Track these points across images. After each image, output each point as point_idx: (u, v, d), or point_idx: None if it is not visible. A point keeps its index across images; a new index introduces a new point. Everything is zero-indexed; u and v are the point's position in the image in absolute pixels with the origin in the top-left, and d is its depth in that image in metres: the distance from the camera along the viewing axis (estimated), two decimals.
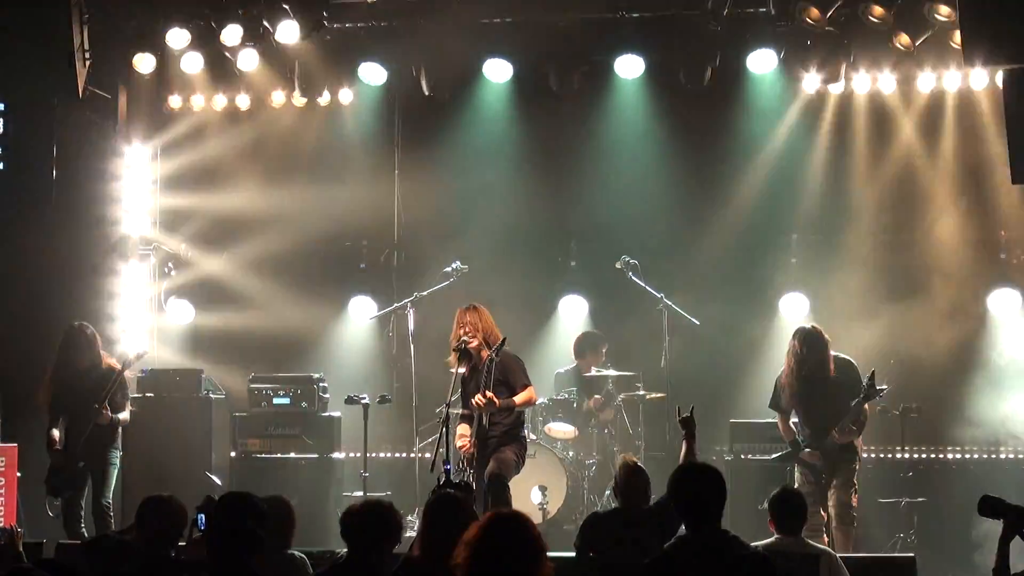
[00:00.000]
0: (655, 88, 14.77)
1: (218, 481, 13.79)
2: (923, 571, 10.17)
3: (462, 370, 11.39)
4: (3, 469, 13.12)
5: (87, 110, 14.21)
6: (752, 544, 7.31)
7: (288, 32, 13.87)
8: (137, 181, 15.46)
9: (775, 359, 12.35)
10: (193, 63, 14.38)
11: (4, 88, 12.98)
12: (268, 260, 15.56)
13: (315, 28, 13.98)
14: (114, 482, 12.34)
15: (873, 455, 14.02)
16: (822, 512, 11.29)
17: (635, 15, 14.00)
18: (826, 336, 11.62)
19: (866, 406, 11.57)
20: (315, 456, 14.14)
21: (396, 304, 14.03)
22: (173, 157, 15.66)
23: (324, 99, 15.04)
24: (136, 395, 13.51)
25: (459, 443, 11.33)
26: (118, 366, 12.46)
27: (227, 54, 14.25)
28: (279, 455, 14.18)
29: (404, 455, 14.73)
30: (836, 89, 14.42)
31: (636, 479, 8.97)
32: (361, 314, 15.46)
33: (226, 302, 15.58)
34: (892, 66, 14.06)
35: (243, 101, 15.15)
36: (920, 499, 13.32)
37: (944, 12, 12.91)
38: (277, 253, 15.57)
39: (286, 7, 13.78)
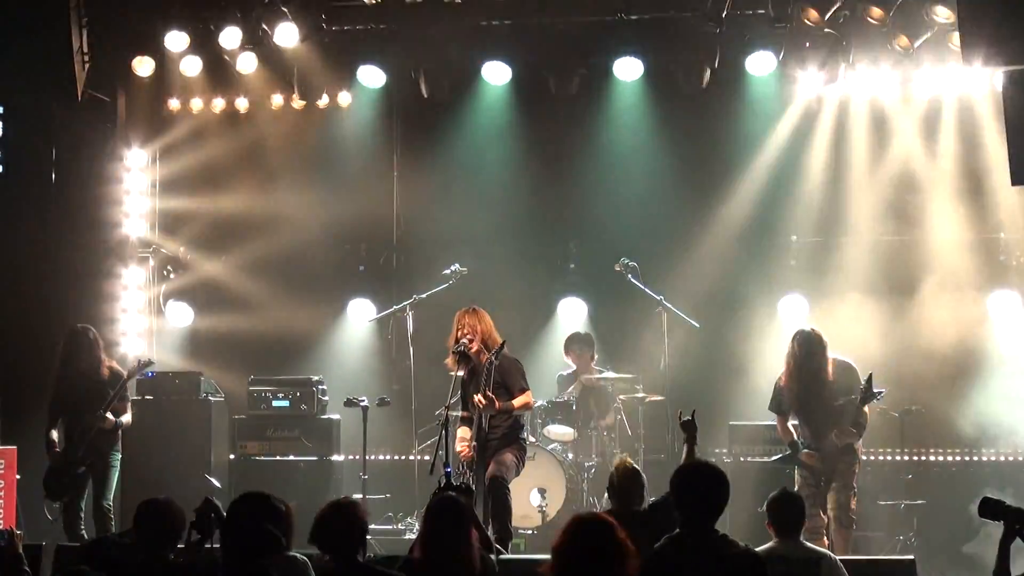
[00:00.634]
0: (654, 90, 14.78)
1: (217, 483, 13.78)
2: (923, 573, 10.16)
3: (461, 373, 11.39)
4: (2, 471, 13.11)
5: (86, 113, 14.21)
6: (755, 549, 7.29)
7: (287, 35, 13.88)
8: (136, 184, 15.46)
9: (774, 361, 12.34)
10: (192, 66, 14.40)
11: (3, 91, 12.99)
12: (267, 263, 15.55)
13: (314, 31, 13.99)
14: (115, 484, 12.33)
15: (873, 457, 14.01)
16: (821, 515, 11.27)
17: (634, 17, 14.02)
18: (825, 339, 11.60)
19: (866, 409, 11.56)
20: (314, 458, 14.14)
21: (395, 306, 14.02)
22: (172, 160, 15.66)
23: (323, 102, 15.05)
24: (136, 397, 13.51)
25: (458, 447, 11.32)
26: (120, 370, 12.46)
27: (226, 57, 14.27)
28: (278, 457, 14.19)
29: (403, 458, 14.71)
30: (835, 91, 14.42)
31: (631, 481, 8.96)
32: (360, 316, 15.46)
33: (225, 305, 15.57)
34: (891, 67, 14.06)
35: (242, 104, 15.15)
36: (920, 501, 13.32)
37: (942, 13, 12.93)
38: (276, 256, 15.56)
39: (285, 10, 13.81)
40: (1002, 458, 14.04)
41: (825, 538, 11.09)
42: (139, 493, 8.35)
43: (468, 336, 11.29)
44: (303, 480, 13.89)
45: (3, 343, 13.75)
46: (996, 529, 7.03)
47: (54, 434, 12.19)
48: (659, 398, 13.82)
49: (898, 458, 13.93)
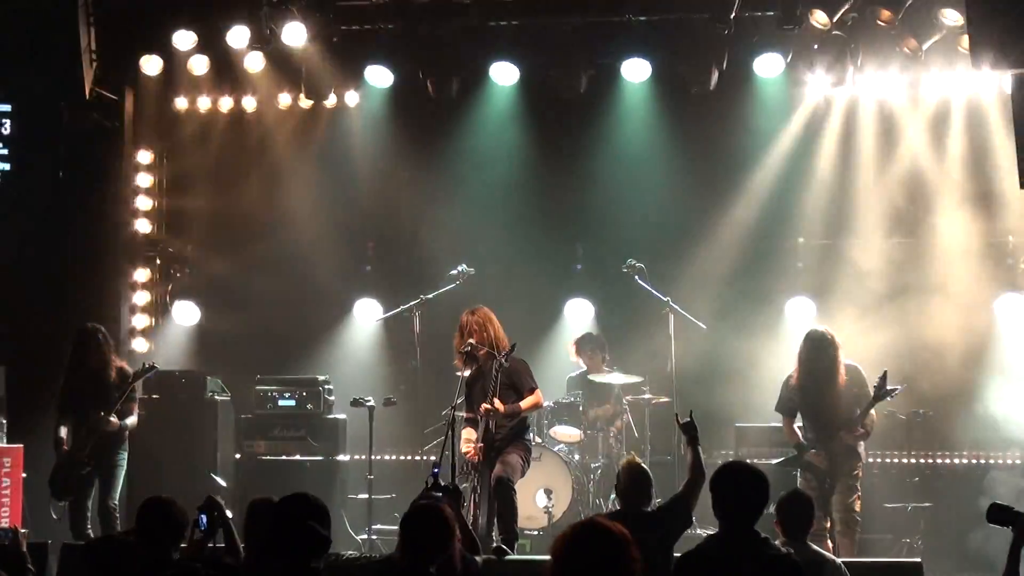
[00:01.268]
0: (662, 92, 14.77)
1: (223, 482, 13.79)
2: None
3: (467, 373, 11.38)
4: (9, 470, 13.12)
5: (94, 111, 14.22)
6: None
7: (294, 34, 13.88)
8: (143, 182, 15.47)
9: (781, 363, 12.33)
10: (199, 65, 14.40)
11: (11, 90, 12.99)
12: (274, 262, 15.54)
13: (322, 30, 13.99)
14: (120, 484, 12.32)
15: (880, 460, 14.02)
16: (825, 517, 11.25)
17: (642, 19, 14.01)
18: (837, 340, 11.59)
19: (873, 412, 11.55)
20: (320, 458, 14.15)
21: (402, 306, 14.01)
22: (179, 159, 15.68)
23: (330, 101, 15.05)
24: (142, 396, 13.50)
25: (464, 448, 11.32)
26: (129, 370, 12.46)
27: (233, 56, 14.26)
28: (284, 457, 14.20)
29: (409, 457, 14.72)
30: (843, 93, 14.41)
31: (638, 480, 8.93)
32: (367, 316, 15.45)
33: (232, 304, 15.57)
34: (899, 70, 14.05)
35: (249, 103, 15.17)
36: (927, 504, 13.30)
37: (951, 16, 12.91)
38: (283, 255, 15.57)
39: (292, 9, 13.79)
40: (1010, 461, 14.00)
41: (828, 540, 11.06)
42: (145, 492, 8.33)
43: (474, 336, 11.29)
44: (309, 480, 13.86)
45: (10, 342, 13.75)
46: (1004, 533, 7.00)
47: (62, 432, 12.19)
48: (666, 399, 13.80)
49: (905, 461, 13.93)
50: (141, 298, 15.42)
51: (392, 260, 15.89)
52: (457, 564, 7.33)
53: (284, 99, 15.02)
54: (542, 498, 13.05)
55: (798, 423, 11.79)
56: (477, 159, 15.27)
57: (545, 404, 13.33)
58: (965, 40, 12.71)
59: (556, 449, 13.44)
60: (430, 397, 13.66)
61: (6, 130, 12.70)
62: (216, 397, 14.36)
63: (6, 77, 13.08)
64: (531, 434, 11.97)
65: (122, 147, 15.03)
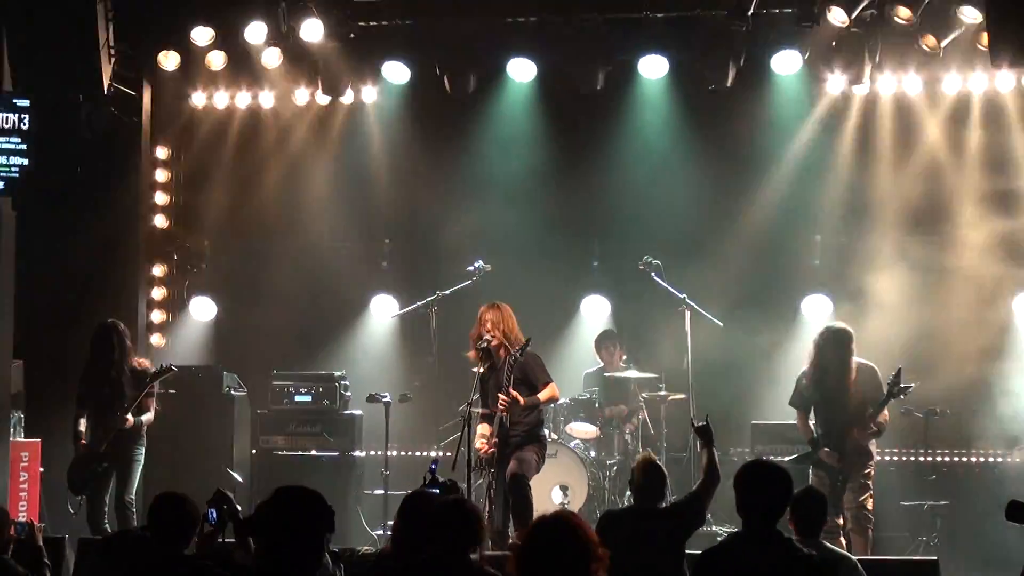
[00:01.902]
0: (679, 88, 14.74)
1: (239, 478, 13.83)
2: (946, 574, 10.14)
3: (483, 369, 11.39)
4: (26, 464, 13.16)
5: (112, 106, 14.23)
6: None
7: (312, 30, 13.88)
8: (160, 178, 15.50)
9: (797, 361, 12.31)
10: (217, 60, 14.42)
11: (30, 84, 12.99)
12: (290, 258, 15.58)
13: (339, 26, 13.99)
14: (137, 479, 12.35)
15: (896, 457, 14.00)
16: (838, 515, 11.23)
17: (659, 15, 13.99)
18: (852, 337, 11.57)
19: (886, 411, 11.53)
20: (336, 454, 14.18)
21: (418, 303, 14.02)
22: (196, 154, 15.71)
23: (347, 97, 15.04)
24: (159, 392, 13.48)
25: (478, 444, 11.33)
26: (147, 365, 12.49)
27: (251, 52, 14.27)
28: (300, 452, 14.24)
29: (425, 453, 14.72)
30: (861, 90, 14.37)
31: (652, 477, 8.92)
32: (383, 312, 15.47)
33: (248, 299, 15.60)
34: (917, 67, 14.02)
35: (266, 99, 15.19)
36: (943, 502, 13.27)
37: (970, 13, 12.86)
38: (299, 251, 15.61)
39: (310, 5, 13.80)
40: None
41: (841, 538, 11.05)
42: (161, 487, 8.36)
43: (490, 332, 11.29)
44: (325, 475, 13.89)
45: (28, 337, 13.78)
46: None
47: (81, 426, 12.22)
48: (681, 396, 13.79)
49: (922, 459, 13.89)
50: (158, 293, 15.45)
51: (409, 256, 15.91)
52: None
53: (301, 95, 15.03)
54: (558, 494, 13.08)
55: (812, 419, 11.77)
56: (494, 155, 15.26)
57: (561, 400, 13.36)
58: (984, 37, 12.69)
59: (572, 446, 13.45)
60: (446, 393, 13.68)
61: (24, 125, 12.68)
62: (233, 392, 14.39)
63: (25, 72, 13.07)
64: (546, 430, 11.97)
65: (140, 143, 15.04)
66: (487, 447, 11.25)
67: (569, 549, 5.46)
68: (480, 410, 11.50)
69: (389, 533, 7.54)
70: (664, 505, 8.96)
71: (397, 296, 15.36)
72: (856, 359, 11.58)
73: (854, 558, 8.73)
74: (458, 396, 12.25)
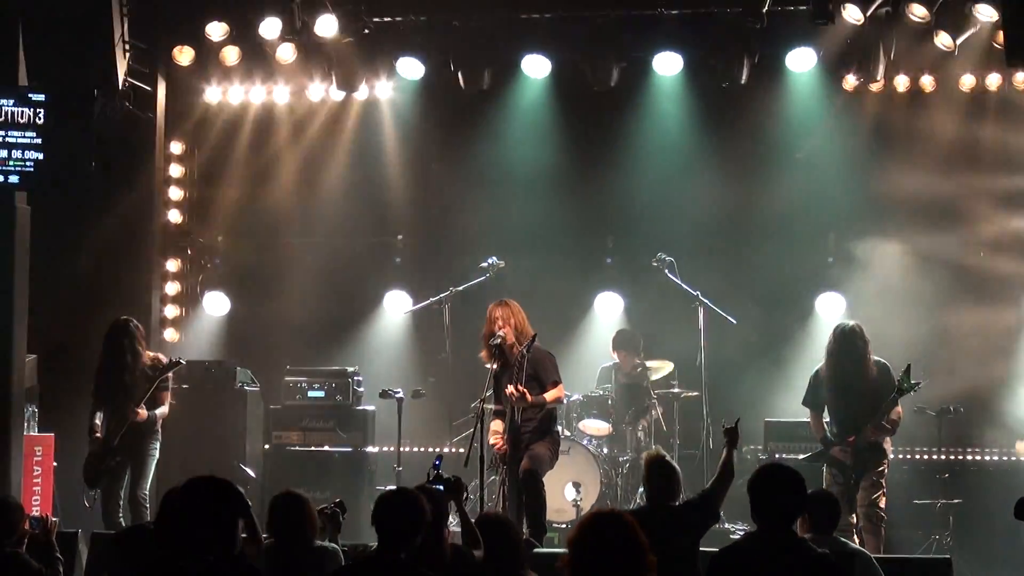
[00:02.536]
0: (693, 85, 14.72)
1: (252, 473, 13.85)
2: (959, 573, 10.15)
3: (495, 366, 11.39)
4: (40, 459, 13.18)
5: (126, 101, 14.24)
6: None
7: (326, 25, 13.89)
8: (175, 173, 15.51)
9: (811, 358, 12.31)
10: (231, 55, 14.42)
11: (44, 79, 13.00)
12: (304, 253, 15.61)
13: (353, 21, 13.99)
14: (151, 474, 12.36)
15: (909, 456, 13.99)
16: (851, 513, 11.21)
17: (674, 12, 13.97)
18: (866, 335, 11.55)
19: (899, 407, 11.51)
20: (348, 449, 14.20)
21: (432, 299, 14.02)
22: (211, 149, 15.70)
23: (362, 93, 15.04)
24: (172, 387, 13.53)
25: (492, 440, 11.34)
26: (162, 361, 12.51)
27: (266, 47, 14.28)
28: (313, 448, 14.26)
29: (437, 449, 14.70)
30: (875, 88, 14.34)
31: (665, 475, 8.90)
32: (396, 308, 15.48)
33: (262, 295, 15.64)
34: (932, 65, 13.99)
35: (281, 94, 15.18)
36: (956, 500, 13.25)
37: (986, 12, 12.84)
38: (313, 246, 15.63)
39: (324, 0, 13.80)
40: None
41: (855, 536, 11.04)
42: (173, 482, 8.34)
43: (502, 329, 11.29)
44: (337, 471, 13.95)
45: (42, 332, 13.80)
46: None
47: (97, 420, 12.24)
48: (694, 394, 13.79)
49: (935, 457, 13.87)
50: (172, 288, 15.46)
51: (422, 252, 15.92)
52: (447, 554, 7.32)
53: (315, 90, 15.03)
54: (571, 491, 13.08)
55: (825, 418, 11.75)
56: (508, 151, 15.26)
57: (575, 397, 13.36)
58: (1000, 36, 12.66)
59: (585, 443, 13.45)
60: (459, 389, 13.66)
61: (40, 120, 12.69)
62: (246, 388, 14.41)
63: (40, 67, 13.08)
64: (559, 427, 11.98)
65: (154, 138, 15.04)
66: (500, 444, 11.25)
67: (626, 548, 5.48)
68: (493, 406, 11.50)
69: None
70: (678, 503, 8.95)
71: (410, 292, 15.38)
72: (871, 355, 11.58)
73: (869, 553, 8.72)
74: (471, 392, 12.24)
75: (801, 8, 13.62)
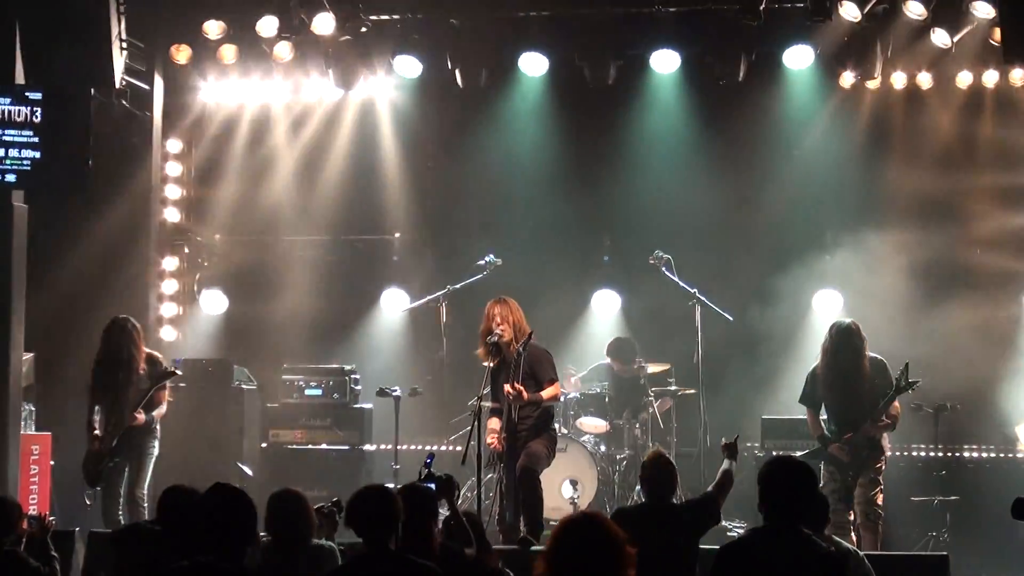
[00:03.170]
0: (690, 83, 14.74)
1: (249, 471, 13.83)
2: (956, 570, 10.13)
3: (492, 364, 11.39)
4: (37, 457, 13.18)
5: (123, 100, 14.24)
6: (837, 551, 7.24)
7: (324, 24, 13.87)
8: (172, 171, 15.52)
9: (808, 356, 12.30)
10: (229, 54, 14.42)
11: (41, 77, 13.01)
12: (301, 251, 15.63)
13: (351, 20, 13.98)
14: (150, 473, 12.34)
15: (906, 453, 14.00)
16: (848, 510, 11.21)
17: (671, 9, 13.96)
18: (862, 333, 11.55)
19: (897, 404, 11.51)
20: (346, 447, 14.22)
21: (429, 297, 14.03)
22: (207, 147, 15.71)
23: (359, 91, 15.04)
24: (170, 385, 13.53)
25: (489, 438, 11.33)
26: (160, 359, 12.51)
27: (263, 45, 14.28)
28: (310, 446, 14.28)
29: (435, 447, 14.71)
30: (873, 85, 14.36)
31: (664, 473, 8.89)
32: (394, 306, 15.48)
33: (259, 293, 15.65)
34: (929, 62, 14.00)
35: (278, 92, 15.20)
36: (953, 497, 13.24)
37: (983, 9, 12.83)
38: (310, 244, 15.64)
39: None
40: None
41: (852, 534, 11.04)
42: (171, 481, 8.37)
43: (500, 326, 11.29)
44: (335, 469, 13.96)
45: (39, 331, 13.80)
46: None
47: (95, 417, 12.23)
48: (692, 391, 13.80)
49: (932, 454, 13.88)
50: (169, 287, 15.47)
51: (419, 250, 15.92)
52: (435, 550, 7.31)
53: (313, 88, 15.04)
54: (568, 489, 13.08)
55: (822, 415, 11.75)
56: (505, 150, 15.28)
57: (572, 395, 13.35)
58: (997, 33, 12.67)
59: (582, 440, 13.46)
60: (456, 387, 13.70)
61: (36, 118, 12.69)
62: (243, 386, 14.42)
63: (37, 65, 13.08)
64: (556, 424, 11.98)
65: (151, 136, 15.05)
66: (497, 441, 11.25)
67: (600, 550, 5.46)
68: (490, 404, 11.50)
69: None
70: (677, 502, 8.94)
71: (408, 290, 15.39)
72: (867, 353, 11.58)
73: (861, 553, 8.72)
74: (468, 390, 12.25)
75: (798, 5, 13.62)
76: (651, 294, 14.58)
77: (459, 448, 12.05)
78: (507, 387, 11.10)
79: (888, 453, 11.73)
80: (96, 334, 12.56)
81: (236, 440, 14.18)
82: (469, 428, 11.31)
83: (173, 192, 15.54)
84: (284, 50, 14.27)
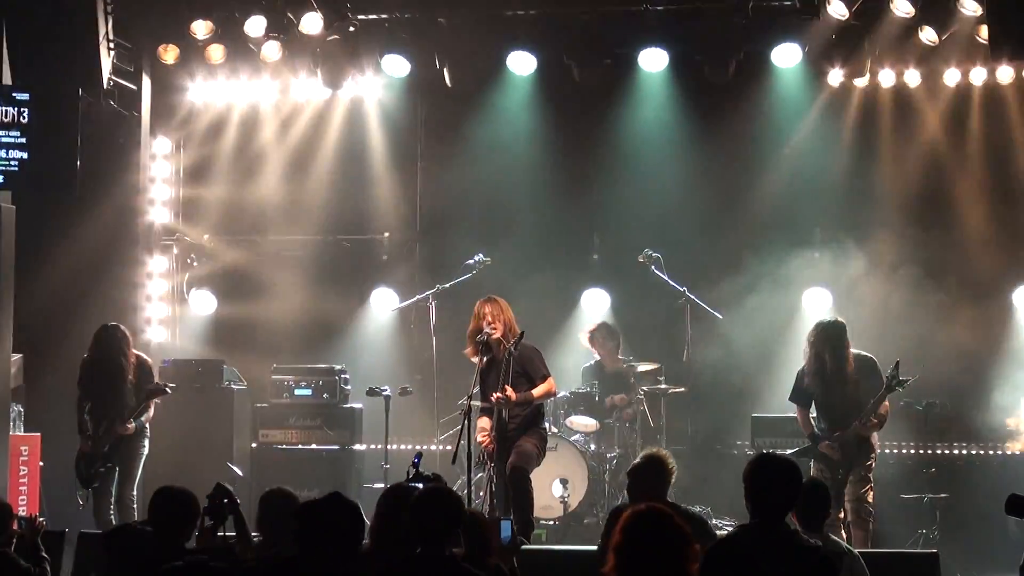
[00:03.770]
0: (679, 81, 14.73)
1: (239, 472, 13.84)
2: (946, 567, 10.14)
3: (482, 362, 11.38)
4: (26, 459, 13.16)
5: (111, 100, 14.23)
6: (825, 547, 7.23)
7: (312, 23, 13.88)
8: (160, 171, 15.50)
9: (797, 354, 12.30)
10: (217, 54, 14.40)
11: (29, 78, 13.00)
12: (290, 251, 15.61)
13: (339, 19, 13.97)
14: (139, 474, 12.34)
15: (896, 450, 14.01)
16: (839, 508, 11.21)
17: (659, 8, 13.95)
18: (847, 330, 11.55)
19: (887, 402, 11.52)
20: (336, 447, 14.21)
21: (418, 296, 14.02)
22: (196, 147, 15.70)
23: (347, 91, 15.05)
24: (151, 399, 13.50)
25: (479, 437, 11.33)
26: (149, 363, 12.53)
27: (251, 45, 14.27)
28: (300, 446, 14.26)
29: (425, 447, 14.71)
30: (861, 83, 14.38)
31: (644, 472, 8.71)
32: (383, 306, 15.47)
33: (248, 293, 15.62)
34: (917, 60, 14.03)
35: (266, 92, 15.19)
36: (943, 495, 13.26)
37: (970, 6, 12.85)
38: (299, 244, 15.63)
39: None
40: None
41: (842, 531, 11.05)
42: (161, 481, 8.34)
43: (491, 325, 11.28)
44: (325, 469, 13.94)
45: (28, 331, 13.78)
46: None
47: (86, 417, 12.21)
48: (681, 389, 13.80)
49: (921, 451, 13.90)
50: (158, 287, 15.43)
51: (408, 250, 15.90)
52: None
53: (301, 88, 15.04)
54: (558, 488, 13.07)
55: (812, 413, 11.76)
56: (494, 148, 15.27)
57: (561, 394, 13.35)
58: (984, 30, 12.69)
59: (572, 439, 13.45)
60: (446, 386, 13.69)
61: (24, 119, 12.69)
62: (232, 386, 14.40)
63: (25, 66, 13.08)
64: (546, 423, 11.98)
65: (139, 136, 15.04)
66: (487, 441, 11.25)
67: (670, 542, 5.48)
68: (480, 403, 11.49)
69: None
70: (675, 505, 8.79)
71: (397, 289, 15.37)
72: (854, 350, 11.58)
73: (856, 551, 8.71)
74: (458, 390, 12.25)
75: (786, 3, 13.64)
76: (641, 293, 14.59)
77: (449, 447, 12.04)
78: (494, 396, 11.09)
79: (878, 451, 11.75)
80: (85, 334, 12.57)
81: (226, 440, 14.16)
82: (459, 427, 11.30)
83: (161, 192, 15.51)
84: (272, 50, 14.27)
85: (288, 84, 15.04)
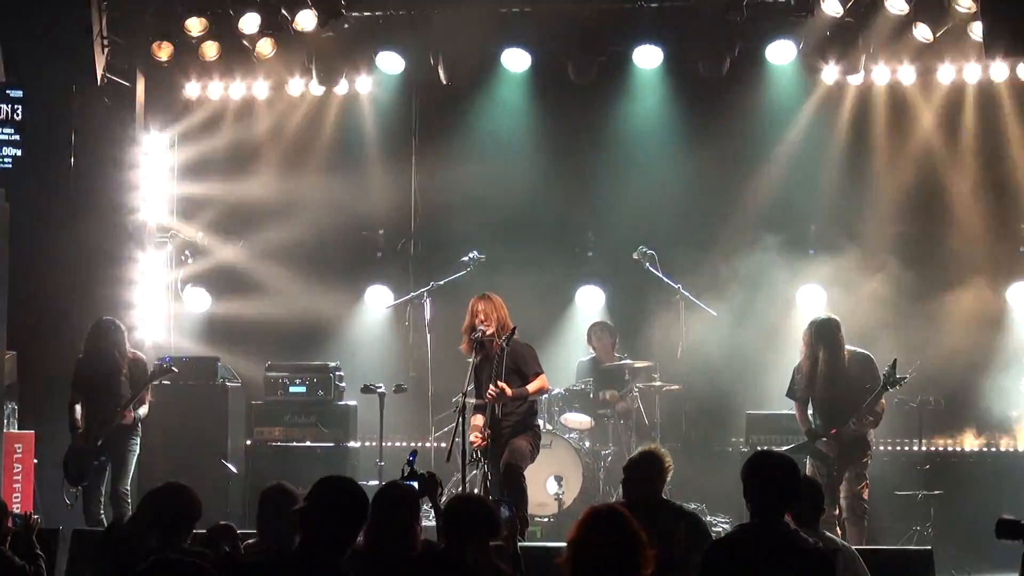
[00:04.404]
0: (673, 78, 14.75)
1: (234, 469, 13.83)
2: (940, 564, 10.15)
3: (476, 359, 11.38)
4: (20, 456, 13.15)
5: (105, 97, 14.22)
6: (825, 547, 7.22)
7: (306, 20, 13.87)
8: (154, 169, 15.47)
9: (792, 350, 12.30)
10: (211, 50, 14.38)
11: (22, 75, 12.98)
12: (285, 248, 15.57)
13: (333, 16, 13.97)
14: (132, 469, 12.34)
15: (890, 447, 14.02)
16: (834, 505, 11.22)
17: (654, 5, 14.00)
18: (841, 327, 11.56)
19: (883, 399, 11.53)
20: (331, 445, 14.18)
21: (413, 293, 14.02)
22: (190, 145, 15.67)
23: (342, 87, 15.04)
24: (153, 383, 13.50)
25: (471, 436, 11.32)
26: (144, 360, 12.52)
27: (245, 42, 14.25)
28: (295, 443, 14.23)
29: (420, 444, 14.71)
30: (855, 80, 14.38)
31: (638, 468, 8.69)
32: (378, 303, 15.47)
33: (243, 290, 15.60)
34: (912, 57, 14.03)
35: (261, 89, 15.18)
36: (937, 492, 13.26)
37: (964, 3, 12.86)
38: (294, 241, 15.59)
39: None
40: (1021, 450, 13.98)
41: (837, 528, 11.05)
42: (155, 478, 8.37)
43: (484, 322, 11.28)
44: (319, 466, 13.88)
45: (22, 329, 13.76)
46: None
47: (78, 414, 12.20)
48: (676, 387, 13.81)
49: (916, 448, 13.90)
50: (152, 284, 15.40)
51: (403, 247, 15.89)
52: (417, 549, 7.29)
53: (295, 85, 15.02)
54: (552, 485, 13.07)
55: (810, 409, 11.77)
56: (488, 145, 15.27)
57: (555, 391, 13.35)
58: (978, 27, 12.69)
59: (567, 436, 13.46)
60: (440, 384, 13.69)
61: (18, 116, 12.67)
62: (227, 383, 14.38)
63: (18, 63, 13.07)
64: (540, 420, 11.98)
65: (134, 133, 15.02)
66: (481, 438, 11.24)
67: (623, 543, 5.47)
68: (474, 400, 11.49)
69: None
70: (658, 500, 8.76)
71: (391, 286, 15.37)
72: (850, 347, 11.59)
73: (852, 547, 8.71)
74: (453, 387, 12.25)
75: (781, 0, 13.64)
76: (635, 290, 14.60)
77: (444, 445, 12.04)
78: (489, 390, 11.09)
79: (873, 448, 11.76)
80: (79, 331, 12.54)
81: (220, 438, 14.14)
82: (454, 425, 11.30)
83: (155, 189, 15.48)
84: (266, 47, 14.26)
85: (282, 81, 15.02)
